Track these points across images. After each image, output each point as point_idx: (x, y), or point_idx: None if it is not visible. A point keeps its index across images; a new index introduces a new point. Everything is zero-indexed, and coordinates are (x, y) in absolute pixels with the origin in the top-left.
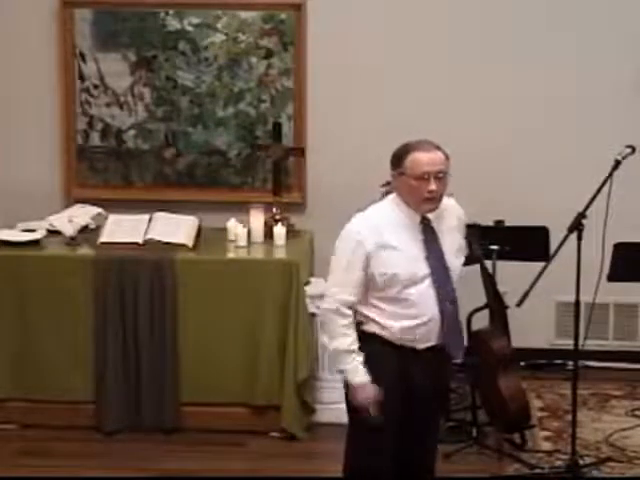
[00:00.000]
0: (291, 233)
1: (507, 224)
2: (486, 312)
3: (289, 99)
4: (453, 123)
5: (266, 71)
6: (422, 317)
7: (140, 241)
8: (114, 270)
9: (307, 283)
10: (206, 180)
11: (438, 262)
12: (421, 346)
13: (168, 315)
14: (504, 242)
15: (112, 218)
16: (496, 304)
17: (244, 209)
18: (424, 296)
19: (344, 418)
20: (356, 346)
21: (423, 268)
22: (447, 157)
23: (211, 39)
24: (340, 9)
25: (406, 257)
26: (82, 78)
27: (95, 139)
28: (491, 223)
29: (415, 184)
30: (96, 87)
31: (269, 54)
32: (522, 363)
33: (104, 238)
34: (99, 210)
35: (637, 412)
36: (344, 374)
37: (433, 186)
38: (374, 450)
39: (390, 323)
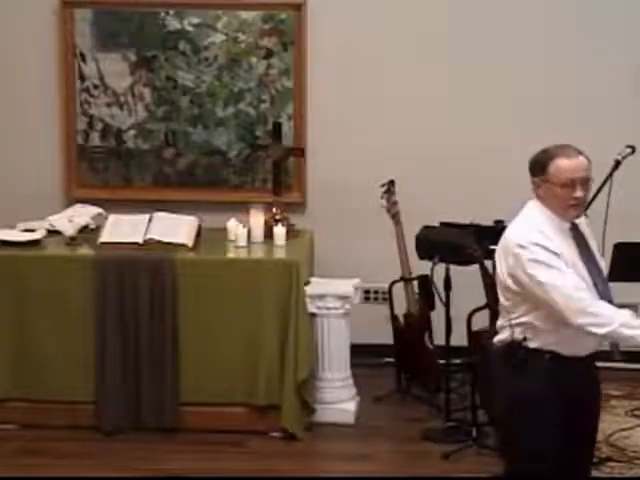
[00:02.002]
0: (291, 233)
1: (507, 224)
2: (486, 312)
3: (289, 99)
4: (453, 123)
5: (266, 71)
6: None
7: (140, 241)
8: (114, 270)
9: (307, 283)
10: (206, 180)
11: (594, 265)
12: (585, 353)
13: (168, 315)
14: None
15: (112, 218)
16: (496, 304)
17: (244, 209)
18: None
19: (344, 418)
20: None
21: (582, 272)
22: (589, 162)
23: (211, 39)
24: (340, 9)
25: (566, 263)
26: (82, 78)
27: (95, 139)
28: (491, 223)
29: (560, 191)
30: (96, 87)
31: (269, 54)
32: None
33: (104, 238)
34: (99, 210)
35: (637, 412)
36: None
37: (579, 193)
38: (536, 455)
39: (558, 331)
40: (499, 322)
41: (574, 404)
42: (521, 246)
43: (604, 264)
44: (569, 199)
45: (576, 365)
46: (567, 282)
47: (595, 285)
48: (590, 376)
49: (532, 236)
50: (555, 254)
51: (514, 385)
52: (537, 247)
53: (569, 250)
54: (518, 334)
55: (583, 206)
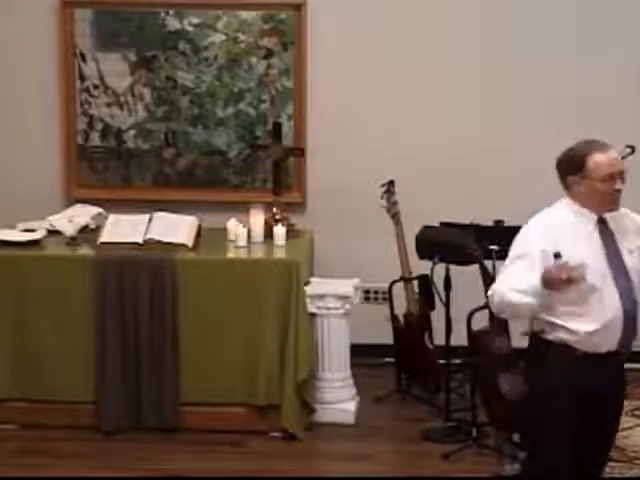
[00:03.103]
0: (291, 233)
1: (507, 224)
2: (486, 312)
3: (289, 99)
4: (453, 123)
5: (266, 71)
6: (606, 318)
7: (140, 241)
8: (114, 270)
9: (307, 283)
10: (206, 180)
11: (618, 261)
12: (604, 350)
13: (168, 315)
14: (504, 242)
15: (112, 218)
16: None
17: (244, 209)
18: (608, 297)
19: (344, 418)
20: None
21: (602, 267)
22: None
23: (211, 39)
24: (340, 9)
25: (587, 261)
26: (82, 78)
27: (95, 139)
28: (491, 223)
29: (601, 186)
30: (96, 87)
31: (269, 54)
32: (522, 363)
33: (104, 238)
34: (99, 210)
35: (637, 412)
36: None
37: (619, 185)
38: (553, 451)
39: (576, 327)
40: None
41: (590, 400)
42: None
43: (634, 263)
44: (610, 192)
45: (596, 361)
46: (512, 275)
47: (615, 279)
48: (611, 374)
49: (533, 229)
50: (541, 251)
51: (534, 377)
52: (525, 239)
53: (589, 245)
54: (536, 327)
55: (619, 199)
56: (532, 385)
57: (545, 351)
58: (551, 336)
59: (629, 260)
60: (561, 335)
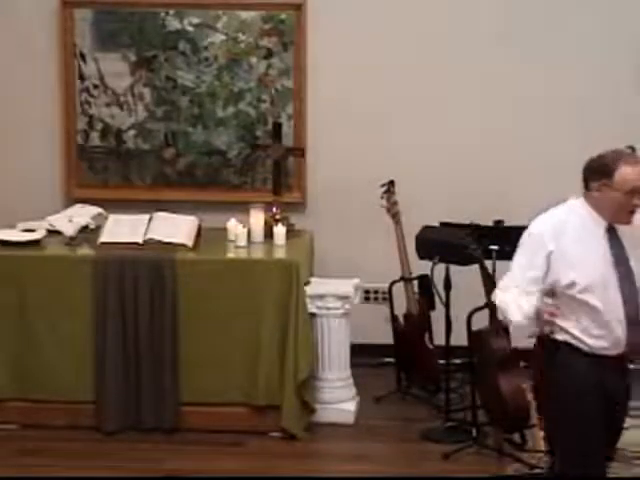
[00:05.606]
0: (291, 233)
1: (507, 224)
2: (486, 312)
3: (289, 99)
4: (453, 123)
5: (266, 71)
6: (611, 323)
7: (140, 241)
8: (114, 270)
9: (307, 283)
10: (206, 180)
11: (624, 268)
12: (612, 352)
13: (168, 315)
14: (504, 242)
15: (112, 218)
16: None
17: (244, 209)
18: (611, 302)
19: (344, 418)
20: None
21: (607, 272)
22: None
23: (211, 39)
24: (340, 9)
25: (591, 263)
26: (82, 78)
27: (95, 139)
28: (491, 223)
29: (623, 199)
30: (96, 87)
31: (269, 54)
32: (522, 363)
33: (104, 238)
34: (99, 210)
35: (637, 412)
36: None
37: (638, 200)
38: (588, 448)
39: (581, 330)
40: None
41: (604, 397)
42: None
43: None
44: (629, 206)
45: (605, 361)
46: (519, 270)
47: (621, 285)
48: (620, 375)
49: (541, 229)
50: (542, 247)
51: (548, 379)
52: (532, 236)
53: (595, 251)
54: (545, 329)
55: (635, 214)
56: (548, 387)
57: (555, 351)
58: (560, 337)
59: (637, 267)
60: (566, 337)
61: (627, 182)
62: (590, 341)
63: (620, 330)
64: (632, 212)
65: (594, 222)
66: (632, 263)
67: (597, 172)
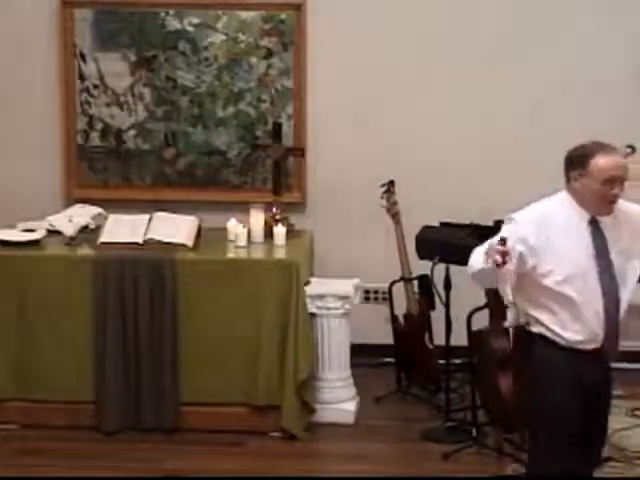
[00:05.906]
0: (291, 233)
1: None
2: (486, 312)
3: (289, 99)
4: (453, 123)
5: (266, 71)
6: (586, 316)
7: (140, 241)
8: (114, 270)
9: (307, 283)
10: (206, 180)
11: (605, 261)
12: (588, 347)
13: (168, 315)
14: None
15: (112, 218)
16: (496, 304)
17: (244, 209)
18: (590, 294)
19: (344, 418)
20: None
21: (588, 265)
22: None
23: (211, 39)
24: (340, 9)
25: (573, 255)
26: (82, 78)
27: (95, 139)
28: (491, 223)
29: (599, 188)
30: (96, 87)
31: (269, 54)
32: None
33: (104, 238)
34: (99, 210)
35: (637, 412)
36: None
37: (617, 190)
38: (564, 443)
39: (557, 323)
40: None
41: (582, 391)
42: (508, 219)
43: (621, 263)
44: (607, 196)
45: (582, 354)
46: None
47: (600, 278)
48: (598, 369)
49: (523, 221)
50: (522, 239)
51: (525, 372)
52: (513, 223)
53: (578, 243)
54: (522, 318)
55: (616, 203)
56: (525, 379)
57: (531, 343)
58: (535, 329)
59: (617, 260)
60: (542, 330)
61: (602, 172)
62: (566, 335)
63: (597, 324)
64: (612, 202)
65: (578, 215)
66: (612, 256)
67: (574, 162)
